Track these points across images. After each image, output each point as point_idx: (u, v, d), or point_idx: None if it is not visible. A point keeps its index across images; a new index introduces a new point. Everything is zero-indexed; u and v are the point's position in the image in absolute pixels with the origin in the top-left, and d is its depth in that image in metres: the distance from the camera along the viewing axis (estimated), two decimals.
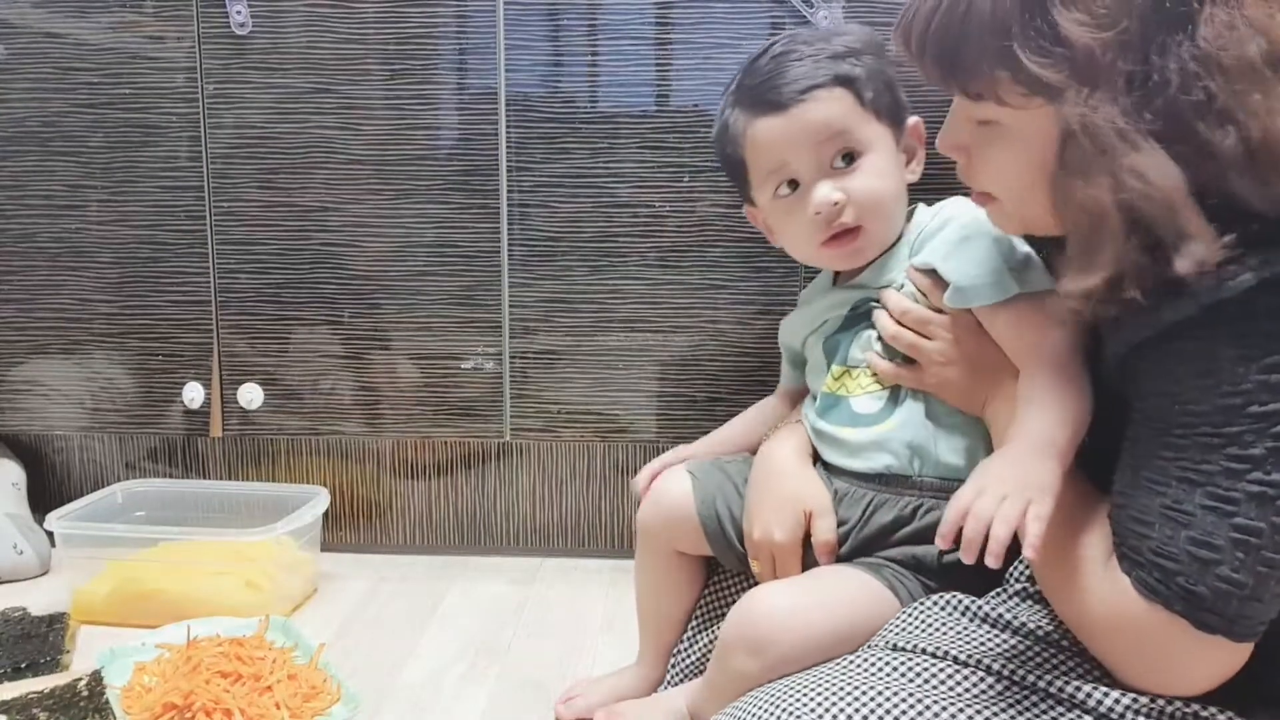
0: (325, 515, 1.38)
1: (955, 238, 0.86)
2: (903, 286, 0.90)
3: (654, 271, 1.35)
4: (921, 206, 0.95)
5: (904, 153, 0.93)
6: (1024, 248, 0.84)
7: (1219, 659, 0.65)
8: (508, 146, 1.33)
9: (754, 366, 1.34)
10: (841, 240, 0.91)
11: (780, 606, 0.82)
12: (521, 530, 1.50)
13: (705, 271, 1.34)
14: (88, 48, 1.36)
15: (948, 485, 0.85)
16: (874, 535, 0.88)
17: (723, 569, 1.02)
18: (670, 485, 1.00)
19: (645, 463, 1.44)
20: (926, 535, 0.85)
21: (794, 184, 0.92)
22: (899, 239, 0.93)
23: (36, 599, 1.26)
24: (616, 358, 1.37)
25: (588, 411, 1.38)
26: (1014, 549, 0.85)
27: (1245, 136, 0.61)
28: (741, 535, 0.95)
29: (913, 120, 0.94)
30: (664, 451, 1.45)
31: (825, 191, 0.89)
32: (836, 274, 0.98)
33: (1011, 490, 0.67)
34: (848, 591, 0.84)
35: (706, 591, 1.03)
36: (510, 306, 1.37)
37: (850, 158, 0.90)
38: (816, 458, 0.95)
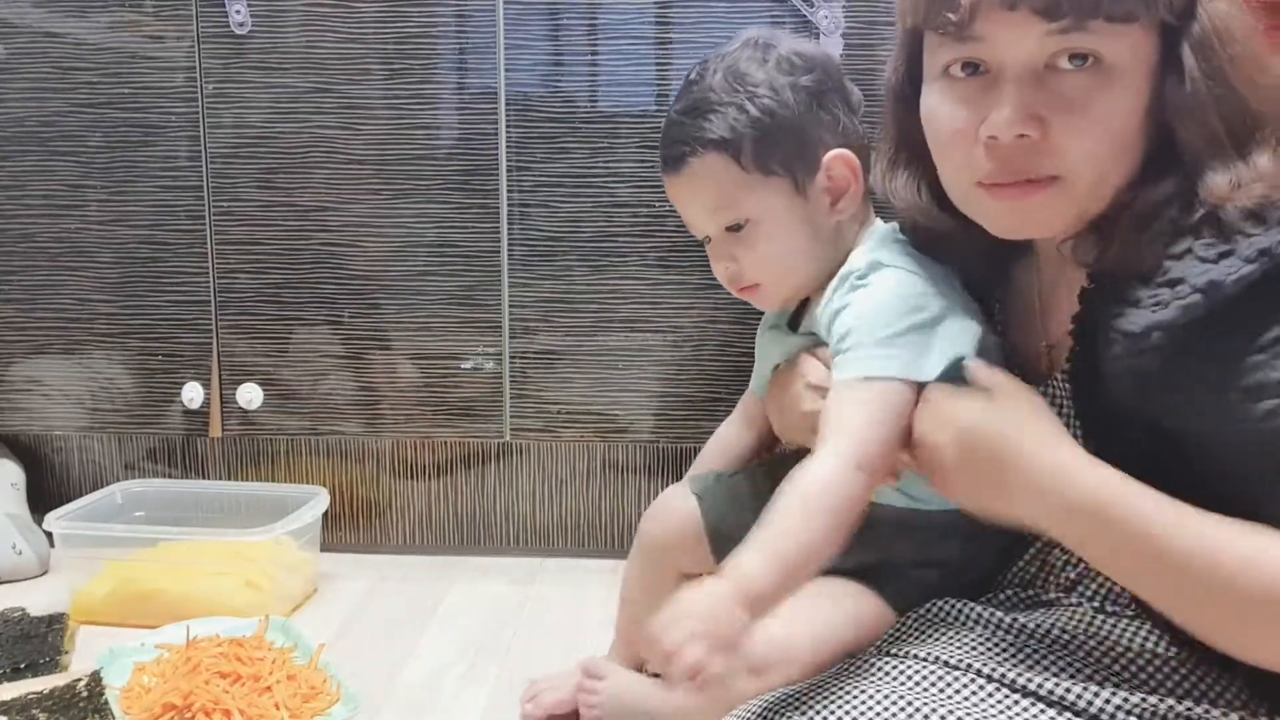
0: (325, 515, 1.37)
1: (838, 304, 0.82)
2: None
3: (654, 271, 1.35)
4: (865, 243, 0.88)
5: (826, 193, 0.87)
6: (907, 320, 0.78)
7: None
8: (508, 146, 1.33)
9: (753, 366, 1.34)
10: (746, 293, 0.91)
11: (778, 632, 0.80)
12: (521, 530, 1.50)
13: (705, 271, 1.32)
14: (87, 47, 1.36)
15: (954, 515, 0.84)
16: (880, 560, 0.87)
17: None
18: (675, 506, 1.00)
19: (645, 463, 1.46)
20: (932, 561, 0.85)
21: (707, 237, 0.92)
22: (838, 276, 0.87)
23: (36, 599, 1.26)
24: (616, 358, 1.37)
25: (588, 411, 1.38)
26: (1005, 551, 0.85)
27: None
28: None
29: (831, 155, 0.86)
30: (663, 452, 1.45)
31: (717, 259, 0.91)
32: (795, 313, 0.95)
33: (701, 634, 0.66)
34: (849, 610, 0.83)
35: None
36: (510, 306, 1.37)
37: (737, 226, 0.87)
38: None
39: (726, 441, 1.07)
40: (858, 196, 0.88)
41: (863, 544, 0.87)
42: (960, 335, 0.79)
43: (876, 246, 0.85)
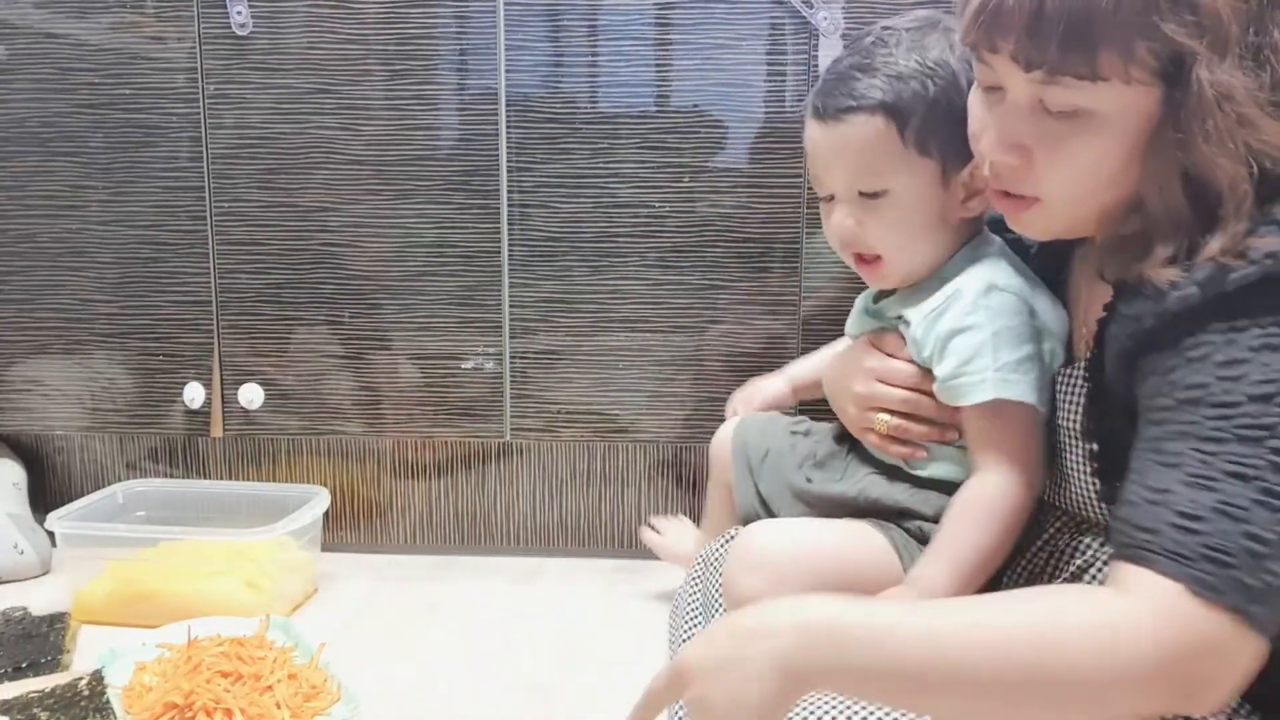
0: (325, 515, 1.38)
1: (955, 325, 0.84)
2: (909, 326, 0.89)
3: (654, 271, 1.35)
4: (976, 259, 0.88)
5: (964, 188, 0.87)
6: (1025, 348, 0.82)
7: (1251, 659, 0.63)
8: (508, 146, 1.33)
9: (754, 366, 1.34)
10: (862, 264, 0.91)
11: (778, 531, 0.87)
12: (521, 530, 1.50)
13: (705, 271, 1.34)
14: (88, 48, 1.36)
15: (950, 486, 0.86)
16: (879, 508, 0.90)
17: None
18: (723, 430, 1.09)
19: (645, 463, 1.47)
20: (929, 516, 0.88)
21: (830, 195, 0.91)
22: (936, 275, 0.89)
23: (37, 599, 1.26)
24: (616, 358, 1.37)
25: (588, 411, 1.38)
26: (1010, 557, 0.86)
27: None
28: (759, 494, 1.00)
29: None
30: (663, 451, 1.46)
31: (839, 217, 0.89)
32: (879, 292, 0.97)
33: None
34: (848, 534, 0.87)
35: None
36: (510, 306, 1.37)
37: (875, 194, 0.87)
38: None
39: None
40: (989, 200, 0.87)
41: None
42: (1054, 356, 0.83)
43: (988, 267, 0.87)
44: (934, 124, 0.85)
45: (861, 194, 0.87)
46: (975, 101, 0.77)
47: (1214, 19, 0.64)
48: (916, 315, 0.87)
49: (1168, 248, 0.67)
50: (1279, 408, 0.62)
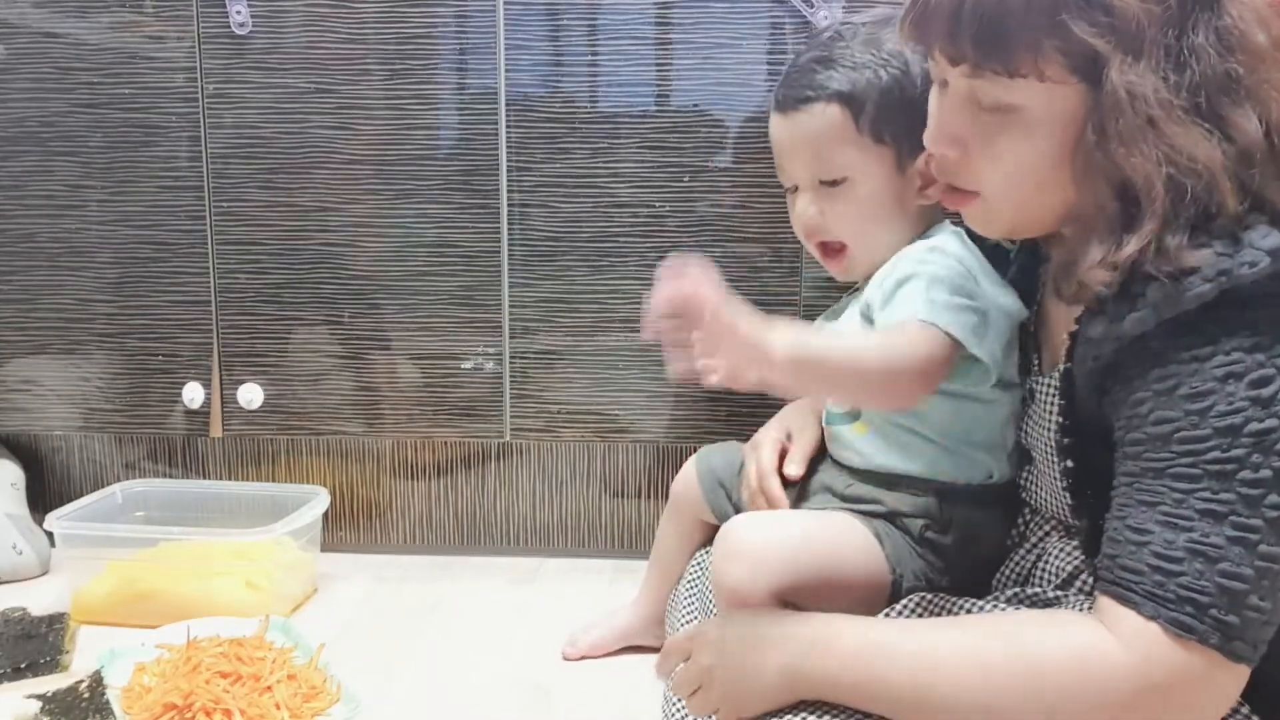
0: (325, 515, 1.38)
1: (900, 276, 0.85)
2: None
3: (654, 271, 1.34)
4: (936, 235, 0.91)
5: (919, 176, 0.89)
6: (960, 297, 0.82)
7: (1234, 688, 0.64)
8: (508, 146, 1.33)
9: None
10: (828, 255, 0.94)
11: (760, 521, 0.87)
12: (521, 530, 1.50)
13: None
14: (88, 48, 1.36)
15: (918, 482, 0.87)
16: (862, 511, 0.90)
17: None
18: (690, 462, 1.11)
19: (645, 463, 1.47)
20: (904, 511, 0.88)
21: (794, 185, 0.94)
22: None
23: (36, 599, 1.26)
24: (616, 358, 1.37)
25: (588, 411, 1.38)
26: (996, 560, 0.86)
27: (1266, 119, 0.63)
28: (732, 494, 1.03)
29: None
30: (663, 452, 1.45)
31: (803, 205, 0.93)
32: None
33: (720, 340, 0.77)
34: (829, 523, 0.87)
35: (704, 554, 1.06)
36: (510, 306, 1.37)
37: (833, 182, 0.90)
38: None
39: None
40: (944, 187, 0.89)
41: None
42: (999, 329, 0.83)
43: (936, 238, 0.89)
44: (888, 112, 0.88)
45: (822, 182, 0.91)
46: (931, 97, 0.78)
47: (1127, 20, 0.64)
48: (873, 284, 0.89)
49: (1100, 250, 0.67)
50: (1247, 438, 0.62)
